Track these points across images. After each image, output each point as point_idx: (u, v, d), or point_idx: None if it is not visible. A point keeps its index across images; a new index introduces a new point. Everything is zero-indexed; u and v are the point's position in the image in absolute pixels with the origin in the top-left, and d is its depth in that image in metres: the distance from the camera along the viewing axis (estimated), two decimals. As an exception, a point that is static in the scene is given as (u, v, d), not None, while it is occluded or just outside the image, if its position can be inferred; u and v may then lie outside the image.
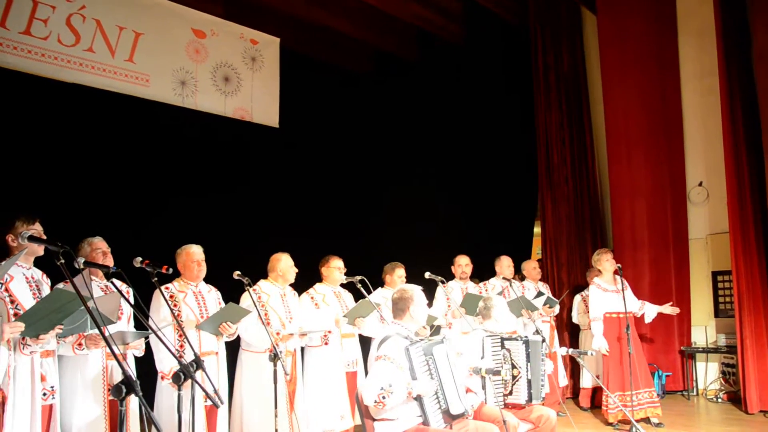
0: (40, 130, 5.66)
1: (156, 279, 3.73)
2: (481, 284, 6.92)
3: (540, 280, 7.51)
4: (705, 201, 8.03)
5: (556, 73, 8.66)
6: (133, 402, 3.91)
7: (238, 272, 4.55)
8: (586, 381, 7.16)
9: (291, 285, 5.29)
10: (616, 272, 6.35)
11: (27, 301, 3.49)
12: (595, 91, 8.73)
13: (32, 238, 3.05)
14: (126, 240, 4.35)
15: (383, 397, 3.46)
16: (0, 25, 5.43)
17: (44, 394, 3.58)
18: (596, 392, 7.15)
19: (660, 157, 8.12)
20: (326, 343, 5.35)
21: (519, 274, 7.77)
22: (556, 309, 7.26)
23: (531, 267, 7.45)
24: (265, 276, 5.23)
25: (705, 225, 8.05)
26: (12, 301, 3.38)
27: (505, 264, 6.95)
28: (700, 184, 8.05)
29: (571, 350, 4.83)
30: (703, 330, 7.88)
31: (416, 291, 3.93)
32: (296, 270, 5.26)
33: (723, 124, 7.06)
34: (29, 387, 3.40)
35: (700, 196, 8.06)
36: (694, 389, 7.75)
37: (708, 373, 7.79)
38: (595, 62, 8.73)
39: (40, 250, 3.57)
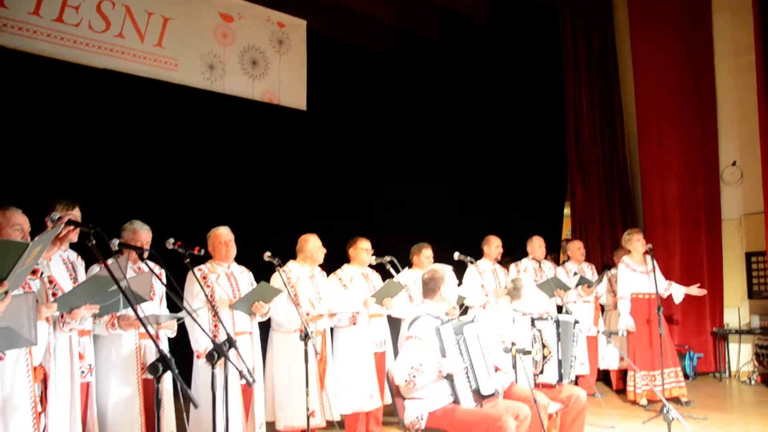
0: (73, 116, 5.76)
1: (188, 260, 3.78)
2: (512, 265, 6.87)
3: (585, 260, 7.41)
4: (739, 181, 7.86)
5: (586, 52, 8.51)
6: (166, 380, 3.99)
7: (269, 253, 4.57)
8: (611, 362, 7.01)
9: (320, 266, 5.32)
10: (647, 252, 6.27)
11: (64, 281, 3.58)
12: (626, 71, 8.57)
13: (61, 220, 3.01)
14: (158, 222, 4.40)
15: (413, 376, 3.48)
16: (34, 13, 5.53)
17: (82, 372, 3.70)
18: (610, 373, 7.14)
19: (692, 137, 7.97)
20: (354, 324, 5.37)
21: (554, 254, 7.66)
22: (598, 290, 7.09)
23: (575, 248, 7.34)
24: (293, 257, 5.26)
25: (739, 205, 7.89)
26: (50, 281, 3.45)
27: (536, 244, 6.88)
28: (734, 164, 7.89)
29: (602, 330, 4.80)
30: (736, 311, 7.76)
31: (447, 271, 3.91)
32: (324, 250, 5.26)
33: (758, 102, 6.90)
34: (68, 365, 3.50)
35: (733, 176, 7.91)
36: (727, 371, 7.65)
37: (741, 355, 7.67)
38: (625, 41, 8.56)
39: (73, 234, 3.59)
